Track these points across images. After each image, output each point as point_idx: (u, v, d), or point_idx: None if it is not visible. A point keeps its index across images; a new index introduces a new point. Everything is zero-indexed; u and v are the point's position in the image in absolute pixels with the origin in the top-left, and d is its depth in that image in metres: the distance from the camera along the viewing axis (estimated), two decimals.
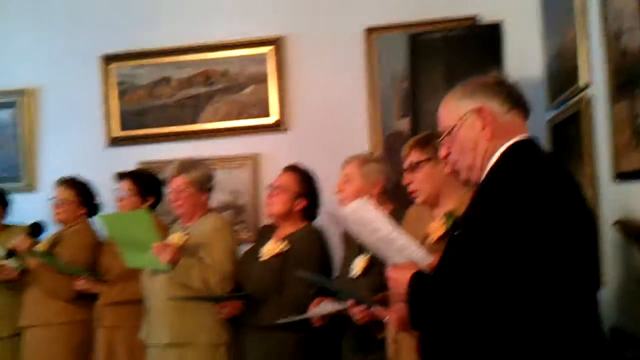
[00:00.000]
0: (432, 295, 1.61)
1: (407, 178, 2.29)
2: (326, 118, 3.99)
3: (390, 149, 3.78)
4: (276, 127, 4.05)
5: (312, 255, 2.82)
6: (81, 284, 3.39)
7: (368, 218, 1.85)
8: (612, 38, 2.38)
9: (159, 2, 4.22)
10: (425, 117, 3.12)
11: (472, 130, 1.70)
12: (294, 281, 2.77)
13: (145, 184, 3.46)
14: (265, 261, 2.88)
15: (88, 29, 4.28)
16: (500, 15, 3.46)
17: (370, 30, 3.94)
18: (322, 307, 2.55)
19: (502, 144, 1.67)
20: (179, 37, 4.17)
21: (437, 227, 2.15)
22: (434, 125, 3.16)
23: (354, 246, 2.63)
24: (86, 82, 4.27)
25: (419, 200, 2.27)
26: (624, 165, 2.27)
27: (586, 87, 2.71)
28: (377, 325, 2.34)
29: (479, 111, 1.69)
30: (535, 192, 1.50)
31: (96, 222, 3.59)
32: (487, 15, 3.66)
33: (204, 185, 3.17)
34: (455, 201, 2.20)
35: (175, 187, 3.15)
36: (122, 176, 3.50)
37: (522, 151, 1.65)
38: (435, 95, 3.11)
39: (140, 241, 2.97)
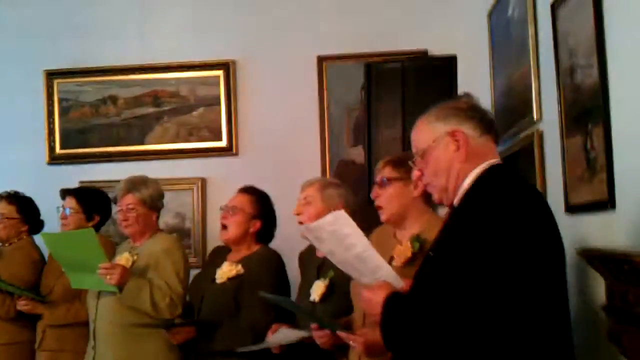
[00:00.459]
0: (408, 317, 1.61)
1: (375, 192, 2.30)
2: (277, 143, 3.99)
3: (340, 177, 3.79)
4: (227, 150, 4.02)
5: (269, 278, 2.78)
6: (23, 304, 3.23)
7: (345, 232, 1.82)
8: (566, 74, 2.48)
9: (109, 19, 4.14)
10: (382, 145, 3.17)
11: (446, 152, 1.73)
12: (251, 305, 2.72)
13: (91, 201, 3.35)
14: (220, 284, 2.82)
15: (33, 42, 4.15)
16: (451, 50, 3.56)
17: (322, 59, 3.99)
18: (282, 335, 2.51)
19: (475, 167, 1.71)
20: (128, 56, 4.10)
21: (403, 251, 2.16)
22: (389, 153, 3.27)
23: (311, 270, 2.61)
24: (28, 96, 4.13)
25: (383, 217, 2.28)
26: (576, 198, 2.36)
27: (537, 121, 2.81)
28: (340, 350, 2.32)
29: (452, 134, 1.73)
30: (512, 217, 1.53)
31: (38, 239, 3.44)
32: (437, 50, 3.77)
33: (154, 203, 3.10)
34: (422, 225, 2.23)
35: (124, 206, 3.06)
36: (66, 193, 3.39)
37: (498, 175, 1.69)
38: (391, 124, 3.20)
39: (86, 261, 2.87)
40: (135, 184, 3.09)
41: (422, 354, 1.62)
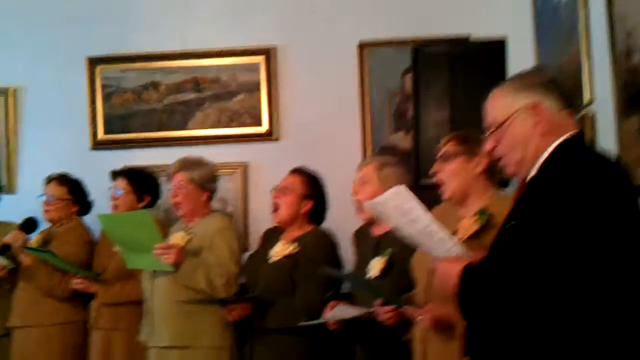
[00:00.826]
0: (486, 288, 1.61)
1: (436, 167, 2.30)
2: (317, 129, 4.00)
3: None
4: (267, 136, 4.04)
5: (324, 257, 2.80)
6: (78, 283, 3.28)
7: (407, 207, 1.82)
8: (622, 55, 2.48)
9: (150, 6, 4.17)
10: (429, 129, 3.17)
11: (524, 126, 1.71)
12: (306, 283, 2.74)
13: (142, 182, 3.39)
14: (275, 263, 2.84)
15: (76, 30, 4.18)
16: (495, 34, 3.55)
17: (364, 44, 3.99)
18: (340, 311, 2.53)
19: (553, 141, 1.69)
20: (169, 42, 4.13)
21: (469, 225, 2.16)
22: (437, 137, 3.26)
23: (367, 248, 2.63)
24: (71, 83, 4.17)
25: (445, 195, 2.28)
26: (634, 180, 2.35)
27: (589, 103, 2.80)
28: (403, 326, 2.34)
29: (532, 107, 1.71)
30: (593, 188, 1.52)
31: (89, 220, 3.49)
32: (481, 34, 3.75)
33: (205, 184, 3.13)
34: (485, 201, 2.22)
35: (175, 184, 3.10)
36: (117, 174, 3.43)
37: (576, 147, 1.68)
38: (439, 107, 3.20)
39: (142, 242, 2.90)
40: (187, 163, 3.14)
41: (499, 325, 1.62)
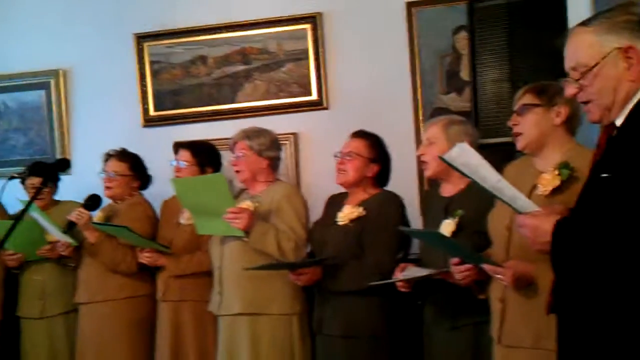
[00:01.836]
0: (584, 244, 1.55)
1: (514, 120, 2.24)
2: (368, 95, 3.95)
3: None
4: (317, 104, 4.01)
5: (392, 219, 2.77)
6: (146, 257, 3.31)
7: (473, 164, 1.77)
8: None
9: None
10: (487, 87, 3.10)
11: (616, 70, 1.62)
12: (375, 246, 2.72)
13: (204, 154, 3.39)
14: (343, 226, 2.82)
15: (120, 8, 4.20)
16: None
17: (411, 4, 3.91)
18: (410, 272, 2.51)
19: None
20: (214, 15, 4.11)
21: (550, 179, 2.10)
22: (496, 96, 3.20)
23: (437, 209, 2.59)
24: (119, 61, 4.20)
25: (519, 144, 2.22)
26: None
27: None
28: (479, 285, 2.31)
29: (626, 50, 1.61)
30: None
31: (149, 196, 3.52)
32: None
33: (265, 151, 3.13)
34: (564, 153, 2.16)
35: (235, 152, 3.13)
36: (181, 146, 3.44)
37: None
38: (497, 64, 3.12)
39: (213, 207, 2.91)
40: (248, 132, 3.16)
41: (595, 281, 1.57)
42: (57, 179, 3.74)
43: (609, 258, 1.52)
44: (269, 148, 3.15)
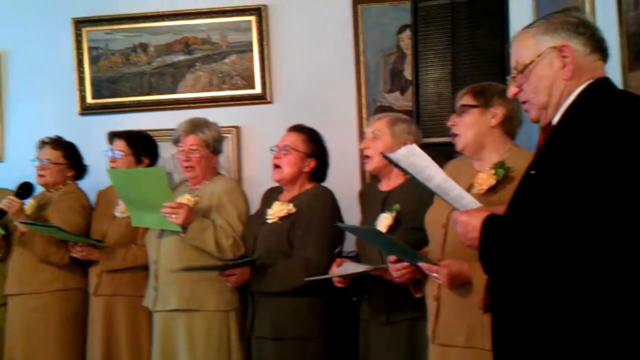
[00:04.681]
0: (509, 238, 1.57)
1: (452, 120, 2.26)
2: (312, 89, 3.94)
3: None
4: (261, 98, 3.96)
5: (324, 215, 2.73)
6: (79, 251, 3.20)
7: (421, 165, 1.78)
8: (630, 6, 2.43)
9: None
10: (430, 86, 3.11)
11: (551, 69, 1.64)
12: (304, 243, 2.68)
13: (140, 144, 3.30)
14: (272, 224, 2.77)
15: None
16: None
17: (357, 2, 3.90)
18: (348, 268, 2.49)
19: (579, 85, 1.63)
20: (157, 2, 4.02)
21: (486, 178, 2.12)
22: (437, 95, 3.21)
23: (375, 204, 2.58)
24: (56, 46, 4.07)
25: (458, 146, 2.24)
26: None
27: None
28: (416, 283, 2.31)
29: (560, 49, 1.63)
30: (620, 132, 1.47)
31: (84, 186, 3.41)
32: None
33: (216, 146, 3.05)
34: (502, 154, 2.18)
35: (187, 147, 3.00)
36: (116, 136, 3.33)
37: (602, 91, 1.62)
38: (440, 64, 3.13)
39: (151, 200, 2.82)
40: (198, 125, 3.04)
41: (523, 276, 1.58)
42: None
43: (532, 253, 1.53)
44: (219, 142, 3.09)
